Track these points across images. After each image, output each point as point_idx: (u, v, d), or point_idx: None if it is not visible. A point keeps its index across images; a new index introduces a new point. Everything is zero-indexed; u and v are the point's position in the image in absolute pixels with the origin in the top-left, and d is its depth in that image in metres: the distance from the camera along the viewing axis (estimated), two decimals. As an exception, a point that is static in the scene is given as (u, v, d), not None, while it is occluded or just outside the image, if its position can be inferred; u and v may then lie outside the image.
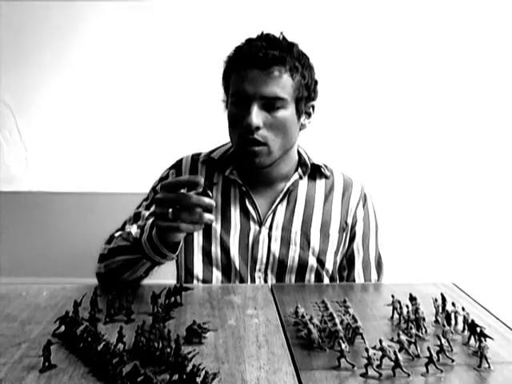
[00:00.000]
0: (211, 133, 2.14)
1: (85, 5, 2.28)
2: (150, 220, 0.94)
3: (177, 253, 0.92)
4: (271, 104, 1.00)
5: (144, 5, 2.29)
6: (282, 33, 1.05)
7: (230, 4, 2.30)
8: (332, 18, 2.35)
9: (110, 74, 2.34)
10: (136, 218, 1.13)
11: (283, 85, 1.00)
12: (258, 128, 1.00)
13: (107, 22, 2.31)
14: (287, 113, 1.03)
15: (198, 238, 1.12)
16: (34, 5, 2.27)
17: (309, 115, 1.12)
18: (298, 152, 1.18)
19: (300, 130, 1.11)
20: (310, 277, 1.13)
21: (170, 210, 0.81)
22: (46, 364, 0.67)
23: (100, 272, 1.06)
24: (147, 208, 1.14)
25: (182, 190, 0.82)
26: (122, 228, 1.12)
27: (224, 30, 2.29)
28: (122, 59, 2.33)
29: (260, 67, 0.99)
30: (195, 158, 1.19)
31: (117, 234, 1.06)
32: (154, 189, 1.19)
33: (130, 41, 2.32)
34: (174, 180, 0.84)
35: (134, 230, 0.97)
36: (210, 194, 0.83)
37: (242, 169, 1.14)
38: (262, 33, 1.05)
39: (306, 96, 1.06)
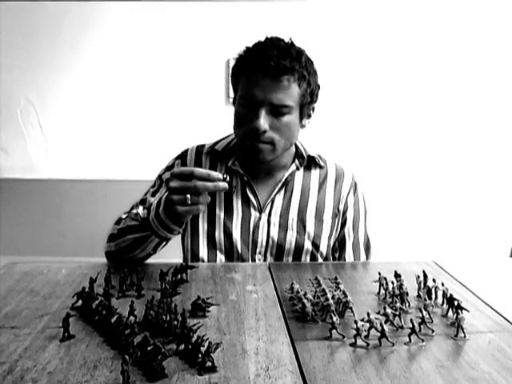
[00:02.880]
0: (212, 126, 2.13)
1: (96, 9, 2.26)
2: (156, 200, 0.95)
3: (183, 227, 0.95)
4: (278, 110, 0.99)
5: (152, 7, 2.26)
6: (290, 39, 1.02)
7: (233, 4, 2.28)
8: (326, 17, 2.32)
9: (121, 72, 2.33)
10: (142, 203, 1.13)
11: (290, 93, 0.98)
12: (264, 131, 0.99)
13: (117, 24, 2.29)
14: (292, 117, 1.02)
15: (203, 224, 1.11)
16: (50, 10, 2.25)
17: (309, 116, 1.11)
18: (295, 144, 1.17)
19: (300, 128, 1.10)
20: (306, 259, 1.13)
21: (188, 195, 0.85)
22: (66, 334, 0.67)
23: (110, 250, 1.05)
24: (153, 194, 1.13)
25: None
26: (130, 211, 1.11)
27: (226, 28, 2.27)
28: (131, 58, 2.32)
29: (270, 76, 0.96)
30: (200, 149, 1.18)
31: (124, 216, 1.06)
32: (160, 177, 1.18)
33: (138, 41, 2.30)
34: (187, 170, 0.87)
35: (140, 210, 0.97)
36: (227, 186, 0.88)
37: (243, 160, 1.13)
38: (272, 39, 1.01)
39: (309, 101, 1.05)
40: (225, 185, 0.88)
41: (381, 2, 2.29)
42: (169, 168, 1.18)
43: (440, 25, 2.32)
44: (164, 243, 1.01)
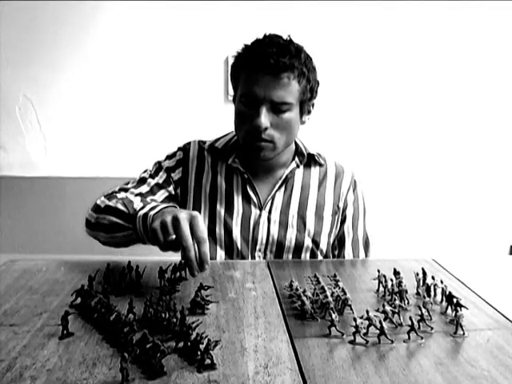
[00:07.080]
0: (211, 123, 2.13)
1: (96, 6, 2.25)
2: (155, 204, 0.92)
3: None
4: (278, 107, 0.99)
5: (151, 5, 2.26)
6: (289, 36, 1.02)
7: (231, 2, 2.27)
8: (321, 13, 2.32)
9: (120, 69, 2.32)
10: (141, 182, 1.13)
11: (291, 90, 0.99)
12: (265, 129, 0.99)
13: (116, 21, 2.28)
14: (292, 114, 1.02)
15: (204, 220, 1.11)
16: (49, 7, 2.24)
17: (309, 112, 1.11)
18: (295, 142, 1.17)
19: (300, 125, 1.10)
20: (306, 256, 1.13)
21: (173, 237, 0.80)
22: (65, 332, 0.67)
23: (90, 220, 1.04)
24: (151, 176, 1.14)
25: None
26: (125, 189, 1.10)
27: (225, 25, 2.27)
28: (130, 56, 2.31)
29: (271, 73, 0.96)
30: (201, 145, 1.18)
31: (119, 196, 1.03)
32: (159, 163, 1.17)
33: (137, 39, 2.30)
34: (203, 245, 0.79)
35: (136, 201, 0.95)
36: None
37: (243, 157, 1.14)
38: (271, 36, 1.01)
39: (309, 97, 1.05)
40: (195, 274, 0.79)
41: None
42: (169, 157, 1.18)
43: (440, 20, 2.32)
44: (140, 244, 0.96)
